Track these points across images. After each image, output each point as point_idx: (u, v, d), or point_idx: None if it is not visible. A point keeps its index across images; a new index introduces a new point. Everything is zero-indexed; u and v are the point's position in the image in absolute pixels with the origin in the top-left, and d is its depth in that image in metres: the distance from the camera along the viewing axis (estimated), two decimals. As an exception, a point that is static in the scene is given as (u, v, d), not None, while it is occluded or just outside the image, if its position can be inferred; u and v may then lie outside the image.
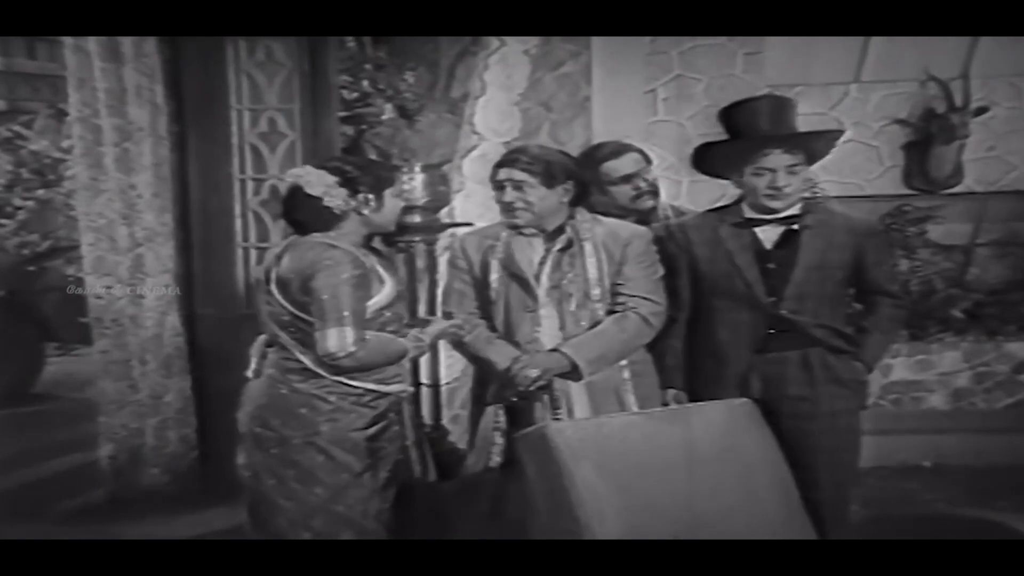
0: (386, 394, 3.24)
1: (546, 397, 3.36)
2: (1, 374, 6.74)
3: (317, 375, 3.16)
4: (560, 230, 3.46)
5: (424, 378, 4.80)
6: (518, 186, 3.41)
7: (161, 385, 4.95)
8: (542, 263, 3.44)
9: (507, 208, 3.44)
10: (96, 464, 4.96)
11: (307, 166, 3.33)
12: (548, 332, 3.43)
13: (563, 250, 3.44)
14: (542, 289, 3.43)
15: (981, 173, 6.29)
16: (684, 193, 5.69)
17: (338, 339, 3.06)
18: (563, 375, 3.36)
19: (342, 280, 3.08)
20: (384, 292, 3.20)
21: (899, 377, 5.96)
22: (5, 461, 5.20)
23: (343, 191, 3.20)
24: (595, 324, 3.42)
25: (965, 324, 6.11)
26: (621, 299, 3.44)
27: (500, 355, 3.39)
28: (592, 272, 3.43)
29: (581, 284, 3.42)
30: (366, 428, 3.20)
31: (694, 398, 3.49)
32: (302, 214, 3.24)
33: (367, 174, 3.26)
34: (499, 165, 3.48)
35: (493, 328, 3.47)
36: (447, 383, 5.11)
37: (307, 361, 3.16)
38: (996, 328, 6.13)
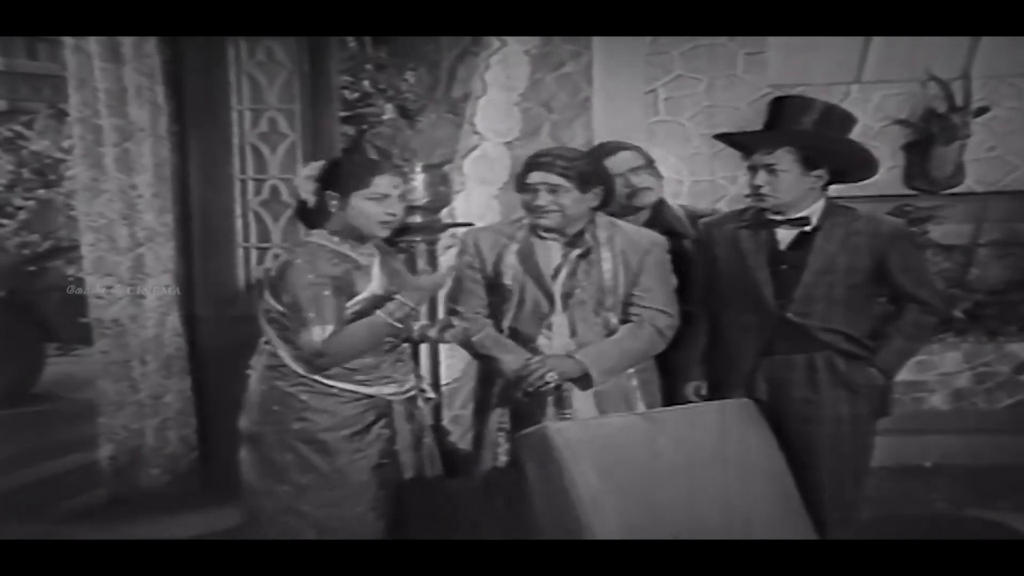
0: (368, 395, 3.22)
1: (553, 399, 3.35)
2: (1, 374, 6.74)
3: (294, 372, 3.17)
4: (579, 235, 3.42)
5: (424, 379, 4.80)
6: (553, 190, 3.36)
7: (161, 386, 4.95)
8: (559, 268, 3.42)
9: (537, 211, 3.39)
10: (96, 465, 4.95)
11: (313, 164, 3.36)
12: (559, 338, 3.41)
13: (581, 256, 3.41)
14: (558, 295, 3.41)
15: (982, 173, 6.28)
16: (685, 193, 5.70)
17: (319, 334, 3.11)
18: (572, 381, 3.35)
19: (312, 279, 3.11)
20: (371, 286, 3.20)
21: (900, 378, 5.84)
22: (5, 461, 5.20)
23: (312, 185, 3.24)
24: (608, 333, 3.42)
25: (966, 324, 6.11)
26: (636, 310, 3.43)
27: (511, 355, 3.37)
28: (608, 281, 3.41)
29: (595, 292, 3.41)
30: (340, 429, 3.19)
31: (704, 396, 3.50)
32: (301, 210, 3.31)
33: (334, 172, 3.27)
34: (532, 168, 3.41)
35: (499, 328, 3.45)
36: (447, 383, 5.11)
37: (285, 357, 3.18)
38: (997, 328, 6.12)
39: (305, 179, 3.25)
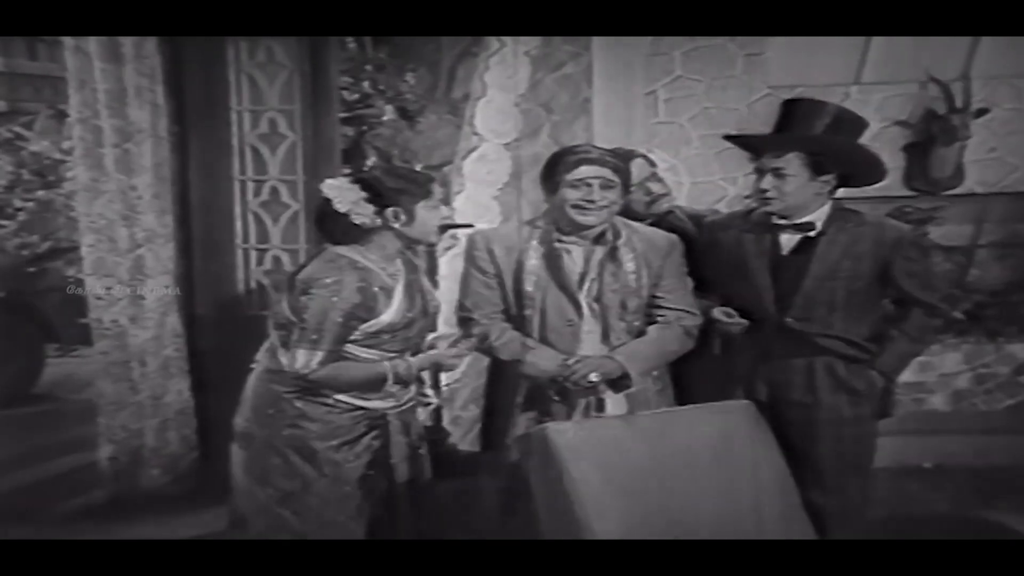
0: (362, 408, 3.21)
1: (587, 402, 3.36)
2: (1, 375, 6.74)
3: (291, 379, 3.15)
4: (601, 237, 3.38)
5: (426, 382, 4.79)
6: (607, 185, 3.31)
7: (161, 386, 4.95)
8: (584, 273, 3.38)
9: (587, 206, 3.31)
10: (96, 465, 4.96)
11: (341, 178, 3.26)
12: (590, 344, 3.37)
13: (607, 258, 3.37)
14: (584, 301, 3.37)
15: (982, 174, 6.26)
16: (685, 195, 5.69)
17: (303, 360, 3.09)
18: (611, 382, 3.34)
19: (332, 304, 3.08)
20: (387, 313, 3.16)
21: (900, 378, 5.93)
22: (6, 462, 5.21)
23: (370, 207, 3.15)
24: (633, 336, 3.40)
25: (966, 325, 6.09)
26: (661, 311, 3.42)
27: (544, 359, 3.33)
28: (632, 283, 3.38)
29: (620, 295, 3.37)
30: (330, 439, 3.17)
31: (702, 398, 3.47)
32: (331, 226, 3.21)
33: (398, 189, 3.19)
34: (580, 162, 3.32)
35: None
36: (447, 384, 5.11)
37: (285, 364, 3.16)
38: (997, 329, 6.10)
39: (355, 203, 3.13)
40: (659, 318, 3.41)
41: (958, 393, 6.00)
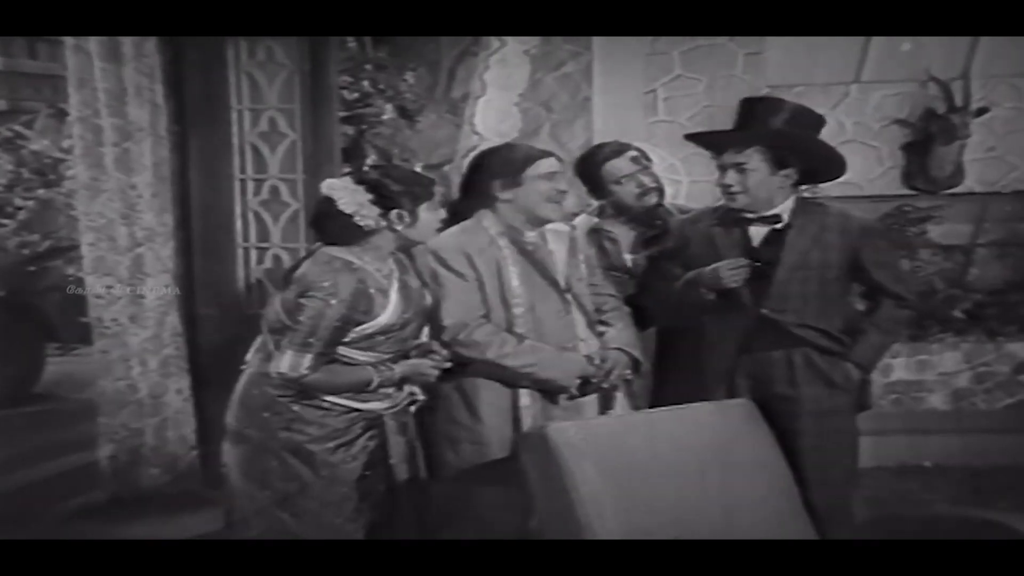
0: (357, 410, 3.18)
1: (601, 397, 3.45)
2: (1, 374, 6.73)
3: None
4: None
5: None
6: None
7: (161, 385, 4.94)
8: (556, 264, 3.44)
9: (556, 199, 3.41)
10: (96, 464, 4.95)
11: (345, 178, 3.21)
12: (585, 335, 3.43)
13: (567, 251, 3.47)
14: (568, 292, 3.42)
15: (982, 173, 6.29)
16: (684, 193, 5.71)
17: (292, 362, 3.06)
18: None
19: (328, 306, 3.04)
20: (384, 315, 3.13)
21: (899, 377, 5.94)
22: (6, 461, 5.19)
23: (376, 209, 3.11)
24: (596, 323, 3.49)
25: (965, 324, 6.10)
26: (601, 298, 3.52)
27: (570, 362, 3.35)
28: (584, 272, 3.49)
29: (582, 284, 3.47)
30: (326, 441, 3.14)
31: (685, 395, 3.46)
32: (330, 226, 3.17)
33: (405, 191, 3.15)
34: (545, 155, 3.45)
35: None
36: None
37: (271, 365, 3.13)
38: (996, 328, 6.11)
39: (361, 205, 3.09)
40: (605, 307, 3.52)
41: (958, 392, 6.02)
